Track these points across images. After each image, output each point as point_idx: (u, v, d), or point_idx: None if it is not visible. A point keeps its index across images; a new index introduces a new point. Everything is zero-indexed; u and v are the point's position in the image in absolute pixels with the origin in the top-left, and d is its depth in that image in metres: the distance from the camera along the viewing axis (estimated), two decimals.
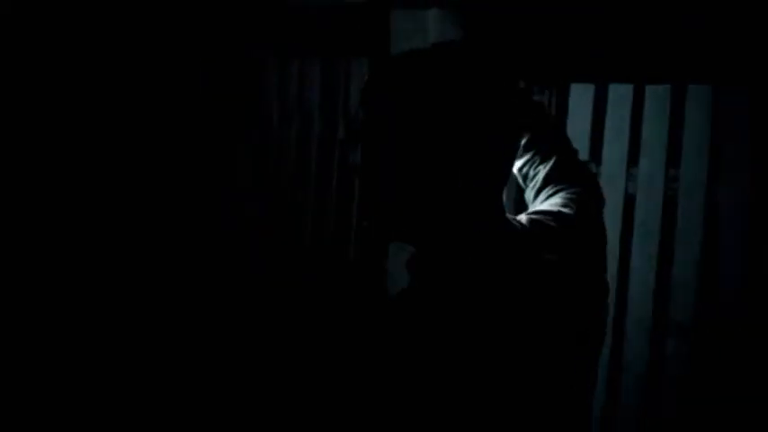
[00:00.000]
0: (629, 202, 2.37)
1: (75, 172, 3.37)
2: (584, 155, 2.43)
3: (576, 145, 2.44)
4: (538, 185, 1.41)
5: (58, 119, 3.34)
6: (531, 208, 1.35)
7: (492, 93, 1.11)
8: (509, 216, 1.19)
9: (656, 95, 2.31)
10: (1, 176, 3.30)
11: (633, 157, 2.36)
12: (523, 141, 1.45)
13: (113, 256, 3.42)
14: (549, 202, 1.32)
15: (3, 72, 3.27)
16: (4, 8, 3.25)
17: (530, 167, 1.45)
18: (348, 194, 3.07)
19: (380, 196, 1.14)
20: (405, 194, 1.12)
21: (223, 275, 3.41)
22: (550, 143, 1.46)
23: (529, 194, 1.44)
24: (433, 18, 2.56)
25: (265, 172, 3.35)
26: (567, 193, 1.34)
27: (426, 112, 1.09)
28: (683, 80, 2.24)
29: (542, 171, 1.41)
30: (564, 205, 1.29)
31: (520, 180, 1.50)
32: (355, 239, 3.05)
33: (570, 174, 1.40)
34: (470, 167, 1.09)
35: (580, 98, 2.43)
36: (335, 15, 2.99)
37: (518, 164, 1.47)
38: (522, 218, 1.21)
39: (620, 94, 2.37)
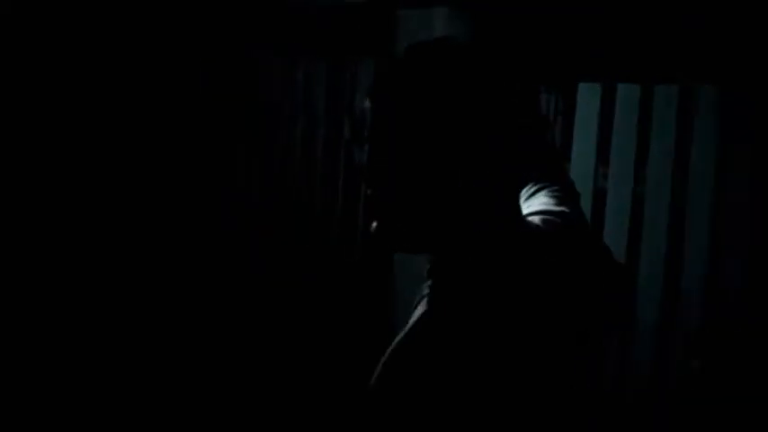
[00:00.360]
0: (636, 202, 2.36)
1: (76, 172, 3.37)
2: (591, 155, 2.43)
3: (583, 145, 2.45)
4: None
5: (58, 119, 3.34)
6: (523, 208, 1.34)
7: (492, 93, 1.11)
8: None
9: (664, 96, 2.30)
10: (1, 176, 3.30)
11: (640, 158, 2.36)
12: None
13: (114, 255, 3.41)
14: (541, 201, 1.31)
15: (3, 72, 3.27)
16: (4, 8, 3.24)
17: None
18: (354, 195, 3.06)
19: (381, 196, 1.14)
20: (405, 194, 1.11)
21: (223, 275, 3.41)
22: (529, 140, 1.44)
23: None
24: (440, 17, 2.56)
25: (270, 172, 3.34)
26: (550, 191, 1.33)
27: (427, 111, 1.09)
28: (692, 81, 2.24)
29: None
30: (557, 204, 1.29)
31: None
32: (361, 240, 3.04)
33: (549, 171, 1.40)
34: (470, 167, 1.09)
35: (588, 98, 2.43)
36: (341, 16, 2.99)
37: None
38: (535, 219, 1.21)
39: (628, 95, 2.36)
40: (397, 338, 1.17)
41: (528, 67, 2.44)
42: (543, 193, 1.32)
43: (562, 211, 1.25)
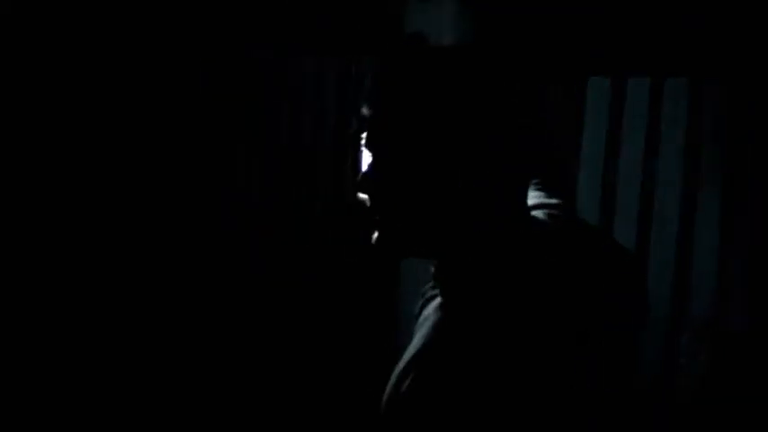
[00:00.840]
0: (646, 195, 2.36)
1: (76, 172, 3.37)
2: (601, 149, 2.44)
3: (593, 139, 2.46)
4: None
5: (58, 119, 3.34)
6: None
7: (492, 93, 1.11)
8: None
9: (674, 90, 2.30)
10: (1, 176, 3.30)
11: (650, 152, 2.36)
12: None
13: (114, 255, 3.41)
14: (531, 195, 1.31)
15: (3, 72, 3.27)
16: (4, 8, 3.24)
17: None
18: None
19: (380, 201, 1.13)
20: (405, 197, 1.11)
21: (223, 275, 3.41)
22: None
23: None
24: (446, 14, 2.55)
25: (270, 172, 3.34)
26: (533, 185, 1.33)
27: (425, 111, 1.09)
28: (701, 75, 2.24)
29: None
30: (548, 196, 1.29)
31: None
32: (363, 244, 3.03)
33: (547, 170, 1.40)
34: (470, 167, 1.09)
35: (598, 92, 2.43)
36: (346, 14, 2.99)
37: None
38: (539, 214, 1.21)
39: (637, 89, 2.36)
40: (411, 350, 1.14)
41: (535, 64, 2.44)
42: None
43: (558, 204, 1.25)
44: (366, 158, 1.15)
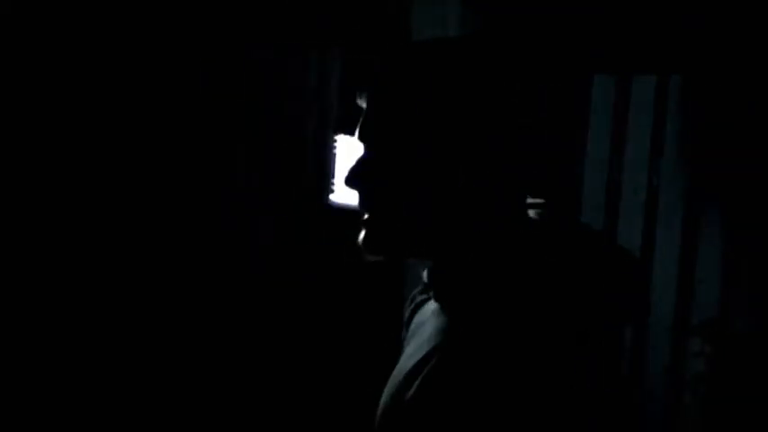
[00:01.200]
0: (651, 194, 2.36)
1: (75, 172, 3.37)
2: (606, 147, 2.43)
3: (598, 137, 2.45)
4: None
5: (57, 119, 3.34)
6: None
7: (492, 92, 1.10)
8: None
9: (679, 88, 2.30)
10: (1, 176, 3.29)
11: (656, 150, 2.36)
12: None
13: (113, 255, 3.41)
14: None
15: (3, 72, 3.26)
16: (4, 8, 3.24)
17: None
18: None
19: (372, 199, 1.12)
20: (401, 196, 1.10)
21: (223, 275, 3.41)
22: None
23: None
24: (452, 14, 2.55)
25: (270, 172, 3.34)
26: None
27: (425, 108, 1.08)
28: (706, 72, 2.23)
29: None
30: (533, 196, 1.28)
31: None
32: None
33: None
34: (470, 167, 1.08)
35: (602, 90, 2.43)
36: (350, 14, 2.99)
37: None
38: (530, 214, 1.20)
39: (643, 86, 2.36)
40: (411, 357, 1.12)
41: (537, 62, 2.44)
42: None
43: (545, 203, 1.25)
44: (355, 154, 1.13)
